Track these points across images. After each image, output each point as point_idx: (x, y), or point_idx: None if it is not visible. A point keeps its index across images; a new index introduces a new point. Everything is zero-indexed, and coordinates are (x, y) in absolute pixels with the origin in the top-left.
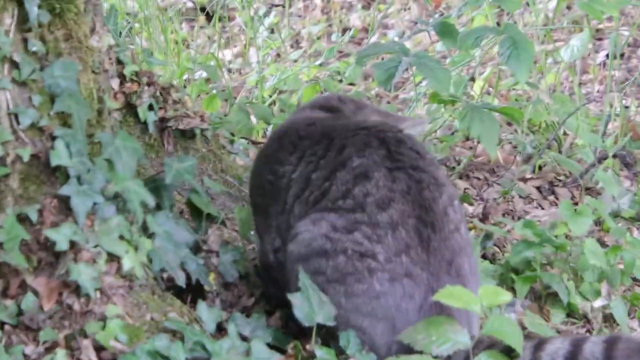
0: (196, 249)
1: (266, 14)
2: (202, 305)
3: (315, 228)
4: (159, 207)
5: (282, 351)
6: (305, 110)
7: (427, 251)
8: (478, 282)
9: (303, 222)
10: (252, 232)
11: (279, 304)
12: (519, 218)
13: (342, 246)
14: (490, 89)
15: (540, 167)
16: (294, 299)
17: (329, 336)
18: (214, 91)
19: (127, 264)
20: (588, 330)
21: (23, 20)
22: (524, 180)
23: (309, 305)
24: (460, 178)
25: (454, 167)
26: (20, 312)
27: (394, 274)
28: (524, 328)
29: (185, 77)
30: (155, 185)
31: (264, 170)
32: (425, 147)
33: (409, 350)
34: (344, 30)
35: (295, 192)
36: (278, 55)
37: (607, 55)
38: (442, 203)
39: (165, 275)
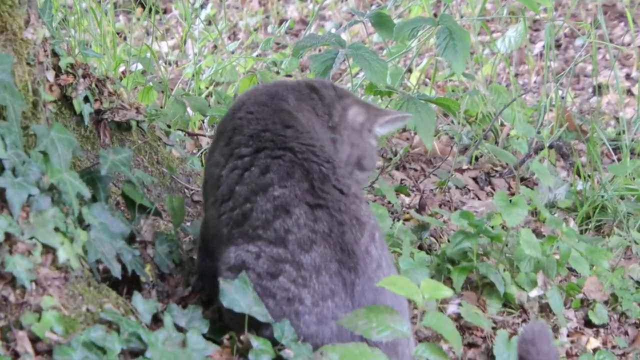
0: (131, 240)
1: (203, 6)
2: (137, 297)
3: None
4: (94, 198)
5: (218, 342)
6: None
7: (351, 296)
8: (402, 305)
9: (228, 268)
10: (187, 224)
11: (212, 280)
12: (456, 209)
13: (271, 292)
14: (427, 80)
15: (476, 158)
16: (225, 285)
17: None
18: (150, 83)
19: (62, 255)
20: (524, 320)
21: None
22: (461, 171)
23: (239, 295)
24: (397, 169)
25: (390, 158)
26: None
27: (322, 317)
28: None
29: (121, 69)
30: (90, 177)
31: (217, 146)
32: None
33: None
34: (281, 22)
35: (223, 193)
36: (215, 47)
37: (544, 46)
38: (364, 243)
39: (101, 267)
